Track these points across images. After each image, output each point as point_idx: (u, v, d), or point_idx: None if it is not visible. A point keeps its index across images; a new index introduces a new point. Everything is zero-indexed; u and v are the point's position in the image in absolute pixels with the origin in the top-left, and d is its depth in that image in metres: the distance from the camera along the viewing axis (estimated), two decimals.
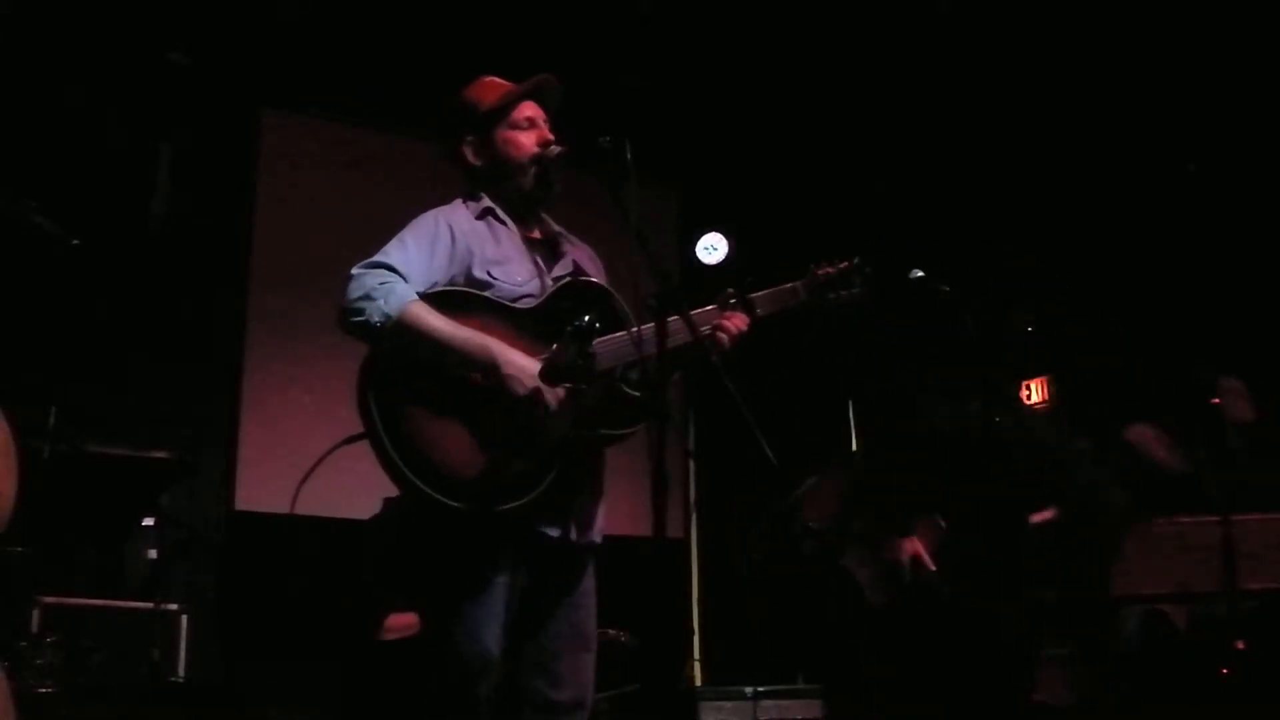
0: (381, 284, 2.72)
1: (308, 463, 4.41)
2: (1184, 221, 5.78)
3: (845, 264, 3.11)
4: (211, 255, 5.94)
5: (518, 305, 2.86)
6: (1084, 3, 5.63)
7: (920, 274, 3.77)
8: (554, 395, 2.73)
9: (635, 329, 2.81)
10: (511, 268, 2.91)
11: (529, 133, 2.99)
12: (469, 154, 3.02)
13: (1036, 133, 6.17)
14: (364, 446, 2.78)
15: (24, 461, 2.65)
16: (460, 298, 2.82)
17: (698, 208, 7.22)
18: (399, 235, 2.87)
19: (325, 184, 6.31)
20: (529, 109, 3.01)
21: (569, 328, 2.74)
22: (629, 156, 2.70)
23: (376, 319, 2.69)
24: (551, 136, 2.99)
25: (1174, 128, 5.83)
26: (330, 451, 4.02)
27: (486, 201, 2.99)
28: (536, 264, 2.96)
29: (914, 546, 3.89)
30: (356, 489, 4.25)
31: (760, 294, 3.03)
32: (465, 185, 3.05)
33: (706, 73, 6.43)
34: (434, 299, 2.78)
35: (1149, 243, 5.91)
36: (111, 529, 4.84)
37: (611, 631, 4.57)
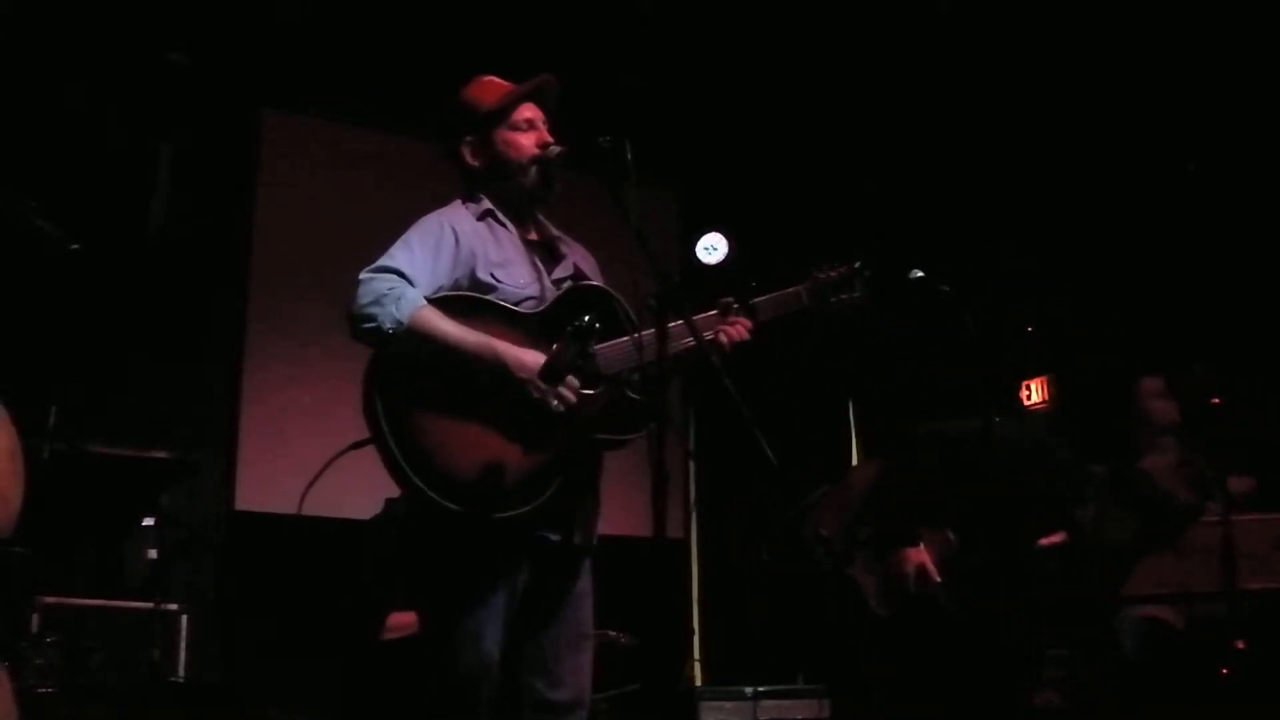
0: (390, 289, 2.72)
1: (308, 462, 4.41)
2: (1184, 221, 5.78)
3: (845, 267, 3.11)
4: (211, 255, 5.94)
5: (521, 308, 2.86)
6: (1084, 3, 5.63)
7: (920, 274, 3.78)
8: (561, 399, 2.73)
9: (638, 333, 2.81)
10: (514, 270, 2.91)
11: (528, 134, 2.99)
12: (468, 155, 3.02)
13: (1037, 133, 6.17)
14: (365, 448, 2.78)
15: (25, 463, 2.65)
16: (467, 302, 2.82)
17: (698, 208, 7.22)
18: (403, 238, 2.87)
19: (325, 184, 6.31)
20: (528, 110, 3.00)
21: (569, 328, 2.74)
22: (629, 156, 2.70)
23: (388, 325, 2.69)
24: (550, 138, 2.99)
25: (1174, 128, 5.83)
26: (338, 456, 4.03)
27: (486, 203, 2.99)
28: (536, 266, 2.96)
29: (920, 558, 3.88)
30: (357, 490, 4.25)
31: (763, 299, 3.02)
32: (464, 186, 3.05)
33: (706, 73, 6.43)
34: (442, 304, 2.78)
35: (1149, 243, 5.92)
36: (111, 529, 4.84)
37: (611, 632, 4.57)
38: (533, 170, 2.97)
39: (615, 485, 3.04)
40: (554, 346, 2.75)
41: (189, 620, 4.57)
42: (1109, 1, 5.57)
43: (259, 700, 4.73)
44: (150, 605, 4.48)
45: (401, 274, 2.76)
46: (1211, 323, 5.54)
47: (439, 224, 2.91)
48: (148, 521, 4.90)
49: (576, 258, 3.07)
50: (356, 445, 3.24)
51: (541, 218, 3.10)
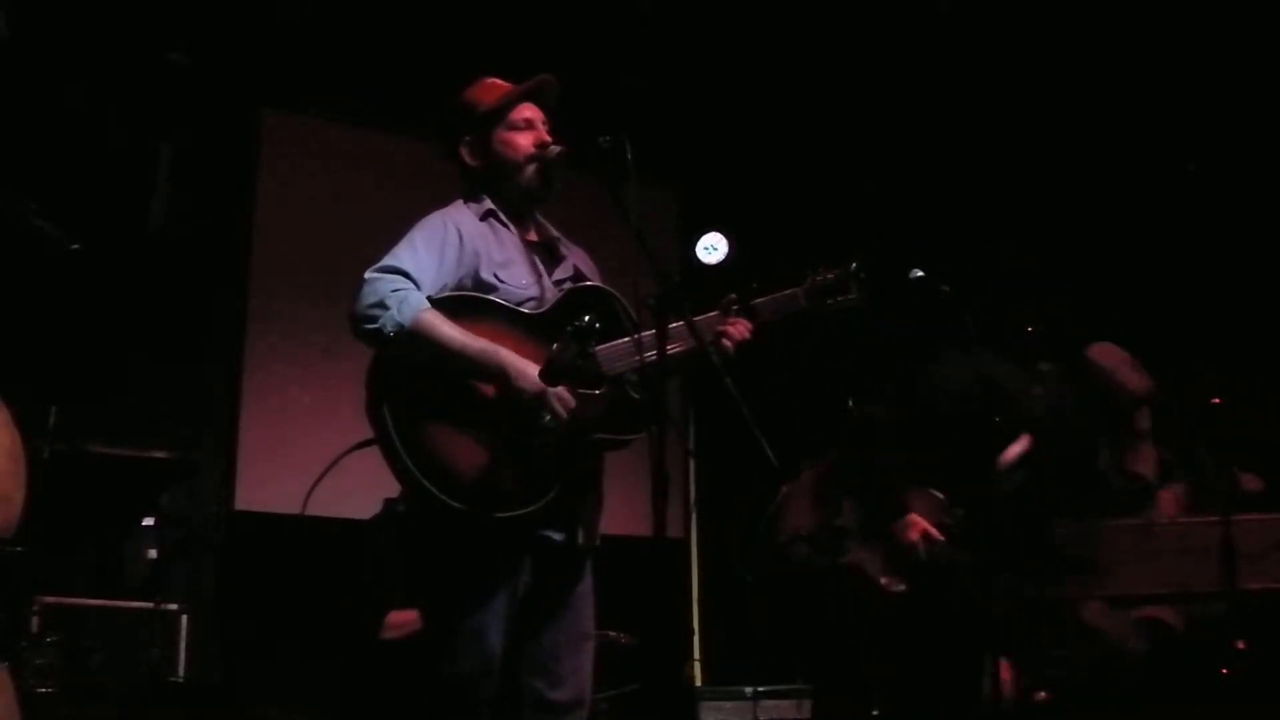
0: (395, 291, 2.72)
1: (308, 462, 4.41)
2: (1184, 221, 5.78)
3: (842, 269, 3.11)
4: (211, 255, 5.94)
5: (522, 309, 2.87)
6: (1084, 3, 5.63)
7: (920, 274, 3.77)
8: (562, 402, 2.73)
9: (639, 334, 2.81)
10: (515, 270, 2.92)
11: (526, 133, 2.99)
12: (467, 155, 3.03)
13: (1037, 133, 6.17)
14: (367, 448, 2.79)
15: (26, 462, 2.65)
16: (471, 302, 2.82)
17: (698, 208, 7.22)
18: (408, 237, 2.87)
19: (325, 184, 6.30)
20: (527, 110, 3.01)
21: (569, 327, 2.74)
22: (629, 156, 2.71)
23: (390, 328, 2.69)
24: (549, 138, 2.99)
25: (1174, 128, 5.83)
26: (341, 457, 4.04)
27: (488, 203, 3.00)
28: (536, 267, 2.97)
29: (918, 521, 3.85)
30: (357, 490, 4.26)
31: (762, 300, 3.03)
32: (465, 186, 3.05)
33: (706, 73, 6.43)
34: (446, 303, 2.78)
35: (1149, 242, 5.92)
36: (111, 529, 4.84)
37: (611, 633, 4.57)
38: (530, 170, 2.97)
39: (615, 485, 3.04)
40: (554, 346, 2.75)
41: (189, 620, 4.56)
42: (1109, 1, 5.57)
43: (259, 700, 4.73)
44: (150, 605, 4.48)
45: (406, 274, 2.76)
46: (1211, 323, 5.54)
47: (443, 223, 2.91)
48: (148, 521, 4.90)
49: (576, 259, 3.08)
50: (360, 445, 3.24)
51: (541, 219, 3.10)
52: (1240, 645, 4.08)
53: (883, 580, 3.87)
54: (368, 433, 2.75)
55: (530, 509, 2.72)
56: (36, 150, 5.28)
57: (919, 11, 5.86)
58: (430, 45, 5.86)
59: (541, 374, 2.72)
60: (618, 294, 2.95)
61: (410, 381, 2.72)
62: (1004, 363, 4.00)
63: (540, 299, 2.91)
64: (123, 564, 4.83)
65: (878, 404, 3.93)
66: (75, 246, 3.86)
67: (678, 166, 7.04)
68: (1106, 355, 3.89)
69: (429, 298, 2.77)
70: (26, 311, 5.06)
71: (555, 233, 3.11)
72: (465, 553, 2.76)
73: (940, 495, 3.89)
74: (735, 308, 2.98)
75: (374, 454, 2.76)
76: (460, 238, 2.88)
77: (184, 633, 4.54)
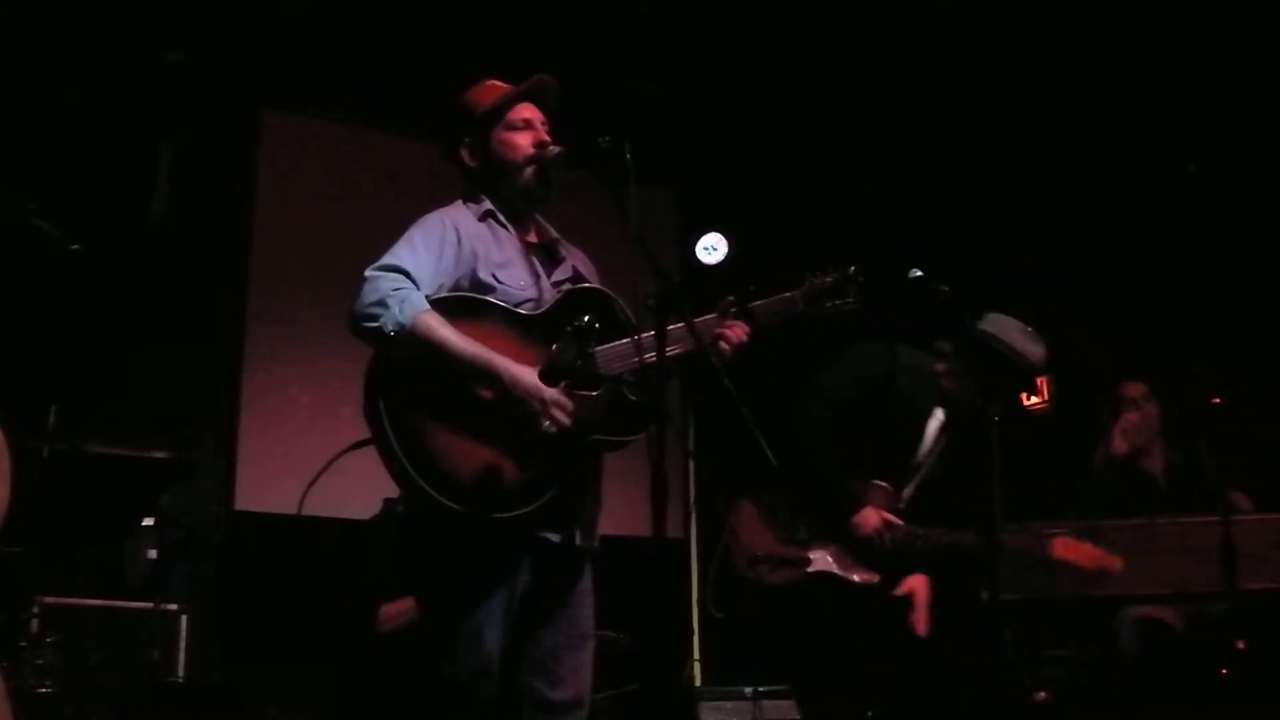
0: (396, 290, 2.72)
1: (308, 462, 4.41)
2: (1184, 221, 5.78)
3: (839, 272, 3.11)
4: (211, 255, 5.94)
5: (521, 310, 2.86)
6: (1084, 3, 5.63)
7: (920, 274, 3.77)
8: (559, 406, 2.73)
9: (638, 335, 2.81)
10: (514, 271, 2.92)
11: (524, 134, 2.99)
12: (466, 155, 3.03)
13: (1037, 133, 6.17)
14: (364, 448, 2.78)
15: (24, 462, 2.65)
16: (469, 303, 2.82)
17: (697, 208, 7.22)
18: (407, 236, 2.87)
19: (325, 184, 6.31)
20: (526, 110, 3.01)
21: (568, 328, 2.74)
22: (629, 156, 2.70)
23: (390, 328, 2.69)
24: (548, 138, 2.99)
25: (1174, 128, 5.83)
26: (338, 457, 4.03)
27: (487, 204, 3.00)
28: (535, 268, 2.97)
29: (875, 513, 3.86)
30: (356, 490, 4.25)
31: (760, 303, 3.03)
32: (464, 187, 3.05)
33: (706, 73, 6.43)
34: (443, 304, 2.78)
35: (1149, 242, 5.92)
36: (111, 529, 4.84)
37: (611, 633, 4.57)
38: (529, 170, 2.97)
39: (615, 485, 3.04)
40: (554, 347, 2.75)
41: (189, 620, 4.56)
42: (1109, 1, 5.57)
43: (259, 700, 4.73)
44: (150, 605, 4.48)
45: (406, 273, 2.76)
46: (1211, 323, 5.54)
47: (441, 222, 2.91)
48: (147, 521, 4.89)
49: (576, 261, 3.08)
50: (357, 445, 3.24)
51: (542, 220, 3.10)
52: (1240, 645, 4.08)
53: (855, 577, 3.87)
54: (367, 433, 2.75)
55: (528, 509, 2.72)
56: (36, 150, 5.28)
57: (919, 11, 5.86)
58: (430, 45, 5.86)
59: (541, 375, 2.72)
60: (616, 296, 2.95)
61: (408, 382, 2.72)
62: (905, 345, 4.03)
63: (538, 300, 2.91)
64: (122, 564, 4.83)
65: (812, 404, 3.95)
66: (75, 246, 3.85)
67: (677, 167, 7.04)
68: (1001, 326, 3.91)
69: (427, 298, 2.77)
70: (26, 311, 5.07)
71: (555, 234, 3.11)
72: (464, 553, 2.76)
73: (886, 485, 3.90)
74: (733, 310, 2.98)
75: (372, 454, 2.76)
76: (458, 237, 2.88)
77: (184, 633, 4.54)
